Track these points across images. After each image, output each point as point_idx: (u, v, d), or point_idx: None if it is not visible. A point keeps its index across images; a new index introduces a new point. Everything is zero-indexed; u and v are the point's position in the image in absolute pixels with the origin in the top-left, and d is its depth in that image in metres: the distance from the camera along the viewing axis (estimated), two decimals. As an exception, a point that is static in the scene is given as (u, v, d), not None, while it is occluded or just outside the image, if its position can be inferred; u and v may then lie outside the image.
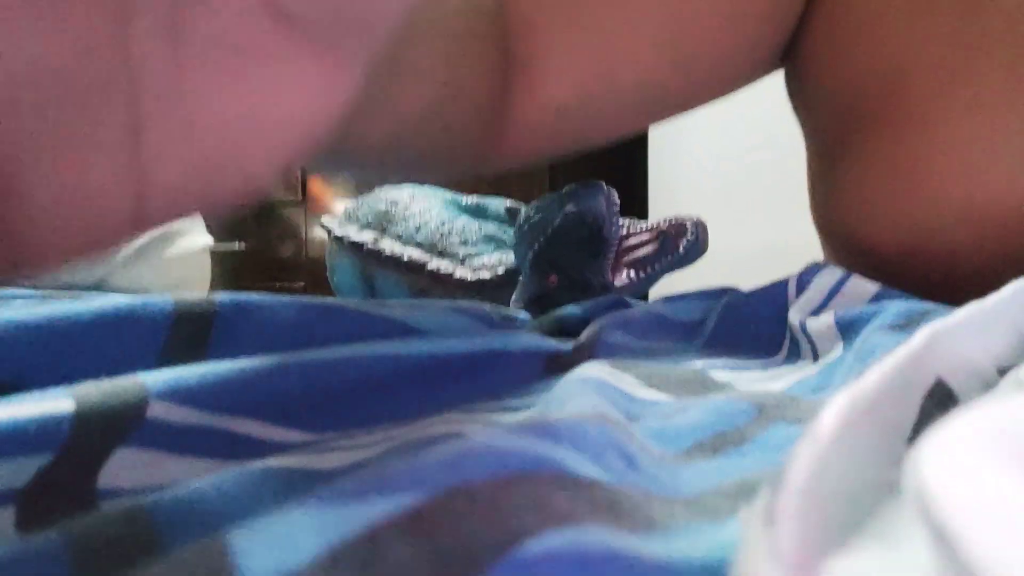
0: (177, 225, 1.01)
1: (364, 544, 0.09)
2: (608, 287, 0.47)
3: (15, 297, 0.62)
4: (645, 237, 0.49)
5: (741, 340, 0.35)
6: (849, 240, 0.38)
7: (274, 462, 0.17)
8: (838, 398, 0.13)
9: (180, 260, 1.00)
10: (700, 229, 0.47)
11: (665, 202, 1.59)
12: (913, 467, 0.08)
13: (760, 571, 0.07)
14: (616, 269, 0.48)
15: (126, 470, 0.17)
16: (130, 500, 0.14)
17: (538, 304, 0.49)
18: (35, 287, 0.87)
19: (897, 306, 0.29)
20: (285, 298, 0.27)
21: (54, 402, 0.16)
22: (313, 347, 0.25)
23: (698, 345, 0.36)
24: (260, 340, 0.25)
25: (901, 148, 0.34)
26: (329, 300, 0.28)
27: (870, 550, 0.09)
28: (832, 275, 0.34)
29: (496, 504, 0.10)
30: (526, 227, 0.48)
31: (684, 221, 0.48)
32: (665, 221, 0.49)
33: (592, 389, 0.21)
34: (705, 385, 0.27)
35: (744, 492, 0.15)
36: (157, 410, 0.18)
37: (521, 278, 0.49)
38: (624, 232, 0.49)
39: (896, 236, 0.35)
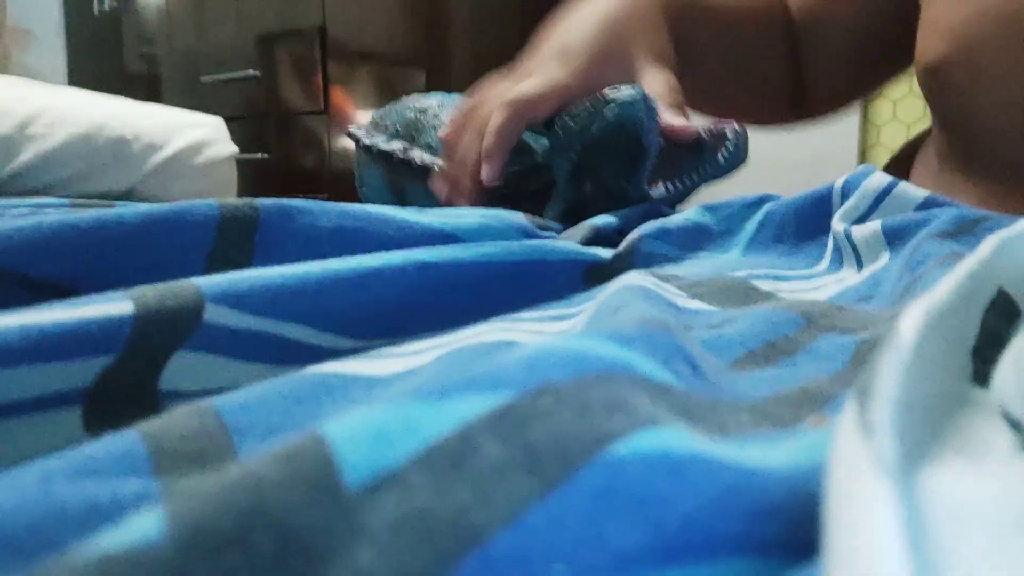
0: (203, 134, 1.01)
1: (457, 441, 0.09)
2: (645, 196, 0.45)
3: (48, 206, 0.63)
4: (684, 146, 0.46)
5: (782, 248, 0.35)
6: (920, 64, 0.43)
7: (329, 368, 0.17)
8: (914, 309, 0.12)
9: (207, 168, 1.00)
10: (741, 137, 0.45)
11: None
12: (1017, 378, 0.08)
13: (867, 481, 0.07)
14: (653, 178, 0.46)
15: (185, 372, 0.17)
16: (197, 401, 0.14)
17: (572, 214, 0.48)
18: (66, 196, 0.88)
19: (947, 213, 0.29)
20: (327, 203, 0.26)
21: (114, 304, 0.16)
22: (355, 252, 0.26)
23: (738, 254, 0.35)
24: (303, 244, 0.25)
25: None
26: (369, 206, 0.28)
27: (958, 464, 0.09)
28: (880, 180, 0.33)
29: (582, 404, 0.10)
30: (562, 135, 0.46)
31: (724, 128, 0.45)
32: (704, 128, 0.46)
33: (640, 297, 0.21)
34: (749, 295, 0.27)
35: (806, 400, 0.15)
36: (213, 314, 0.18)
37: (556, 187, 0.48)
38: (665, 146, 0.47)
39: (951, 47, 0.40)
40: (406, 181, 0.55)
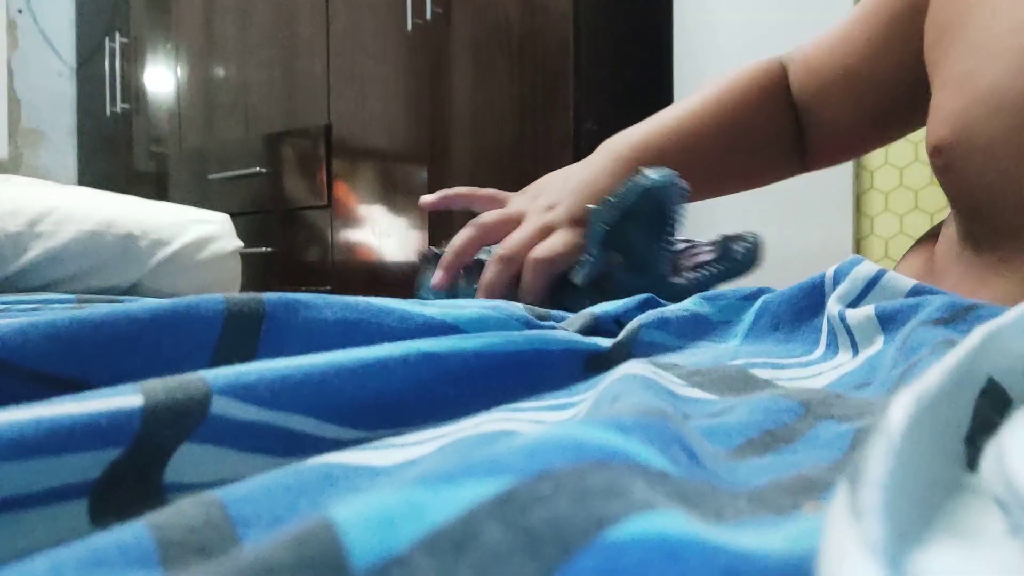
0: (209, 230, 1.03)
1: (460, 526, 0.09)
2: (664, 276, 0.49)
3: (55, 302, 0.64)
4: (706, 249, 0.51)
5: (778, 336, 0.35)
6: (929, 145, 0.46)
7: (332, 459, 0.17)
8: (904, 396, 0.13)
9: (212, 263, 1.01)
10: (757, 238, 0.50)
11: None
12: (999, 464, 0.09)
13: (855, 563, 0.08)
14: (676, 273, 0.50)
15: (191, 465, 0.18)
16: (201, 494, 0.14)
17: (596, 285, 0.51)
18: (72, 292, 0.89)
19: (940, 300, 0.29)
20: (330, 297, 0.27)
21: (123, 398, 0.17)
22: (358, 344, 0.26)
23: (736, 343, 0.36)
24: (307, 337, 0.25)
25: (955, 68, 0.45)
26: (372, 299, 0.29)
27: (951, 547, 0.09)
28: (869, 268, 0.34)
29: (580, 489, 0.10)
30: (601, 207, 0.50)
31: (744, 233, 0.50)
32: (723, 234, 0.51)
33: (640, 387, 0.21)
34: (747, 383, 0.27)
35: (804, 488, 0.15)
36: (219, 406, 0.18)
37: (585, 255, 0.52)
38: (689, 246, 0.51)
39: (952, 130, 0.43)
40: (460, 278, 0.58)
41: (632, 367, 0.25)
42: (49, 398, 0.18)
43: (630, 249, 0.51)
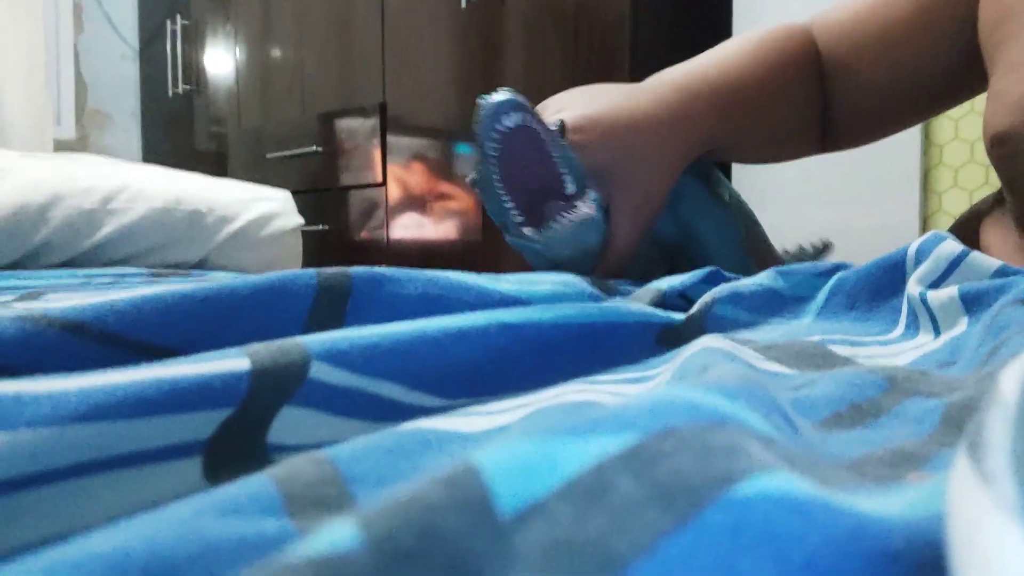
0: (271, 207, 1.05)
1: (594, 477, 0.10)
2: (506, 218, 0.44)
3: (130, 276, 0.66)
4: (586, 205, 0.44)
5: (855, 315, 0.35)
6: (988, 133, 0.44)
7: (424, 424, 0.18)
8: (1014, 367, 0.12)
9: (274, 240, 1.03)
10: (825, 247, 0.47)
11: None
12: None
13: (995, 524, 0.08)
14: (536, 221, 0.45)
15: (292, 427, 0.18)
16: (310, 453, 0.15)
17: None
18: (146, 267, 0.91)
19: None
20: (412, 272, 0.28)
21: (233, 360, 0.17)
22: (439, 316, 0.27)
23: (811, 320, 0.35)
24: (390, 310, 0.26)
25: (1013, 54, 0.44)
26: (451, 274, 0.29)
27: None
28: (952, 247, 0.33)
29: (704, 447, 0.10)
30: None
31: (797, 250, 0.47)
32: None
33: (725, 359, 0.21)
34: (826, 359, 0.27)
35: (903, 460, 0.15)
36: (317, 371, 0.19)
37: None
38: (577, 199, 0.44)
39: (1017, 119, 0.42)
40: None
41: (710, 341, 0.25)
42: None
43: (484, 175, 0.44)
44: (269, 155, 2.43)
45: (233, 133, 2.64)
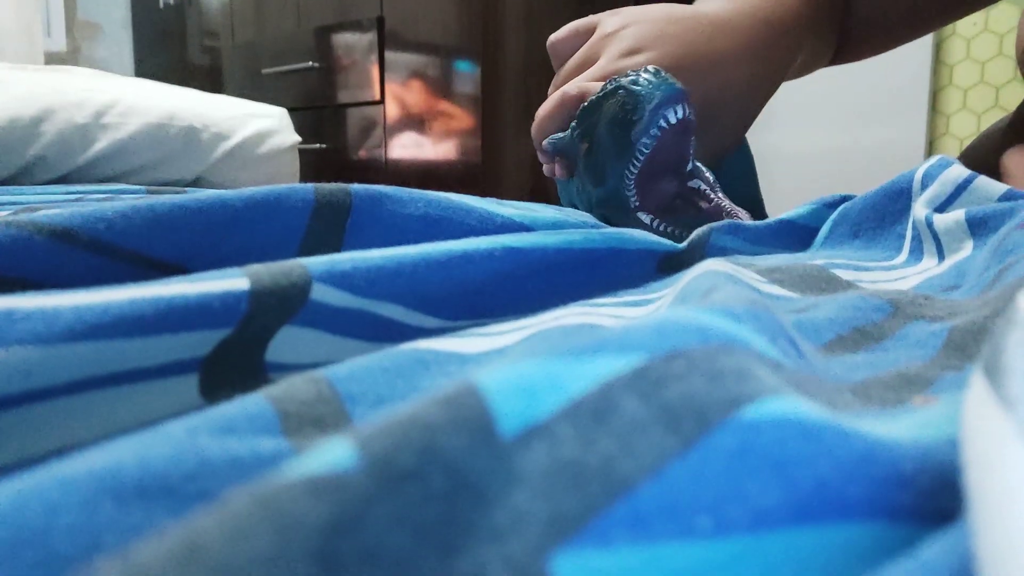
0: (267, 124, 1.03)
1: (598, 397, 0.10)
2: (624, 201, 0.38)
3: (126, 192, 0.65)
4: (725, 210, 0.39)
5: (859, 243, 0.34)
6: (1019, 47, 0.42)
7: (423, 345, 0.18)
8: None
9: (271, 157, 1.02)
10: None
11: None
12: None
13: (1016, 450, 0.07)
14: (656, 210, 0.39)
15: (290, 346, 0.18)
16: (307, 372, 0.14)
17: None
18: (139, 184, 0.90)
19: None
20: (414, 192, 0.27)
21: (232, 280, 0.17)
22: (440, 238, 0.26)
23: (815, 247, 0.35)
24: (391, 230, 0.26)
25: None
26: (453, 196, 0.29)
27: None
28: (959, 171, 0.33)
29: (712, 369, 0.10)
30: (579, 112, 0.41)
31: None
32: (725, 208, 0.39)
33: (728, 281, 0.21)
34: (830, 282, 0.27)
35: (905, 383, 0.15)
36: (318, 292, 0.19)
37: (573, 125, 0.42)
38: (713, 197, 0.39)
39: None
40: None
41: (712, 264, 0.25)
42: (152, 280, 0.19)
43: (596, 149, 0.40)
44: (264, 70, 2.37)
45: (226, 47, 2.58)
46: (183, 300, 0.16)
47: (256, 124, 1.01)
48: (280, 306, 0.18)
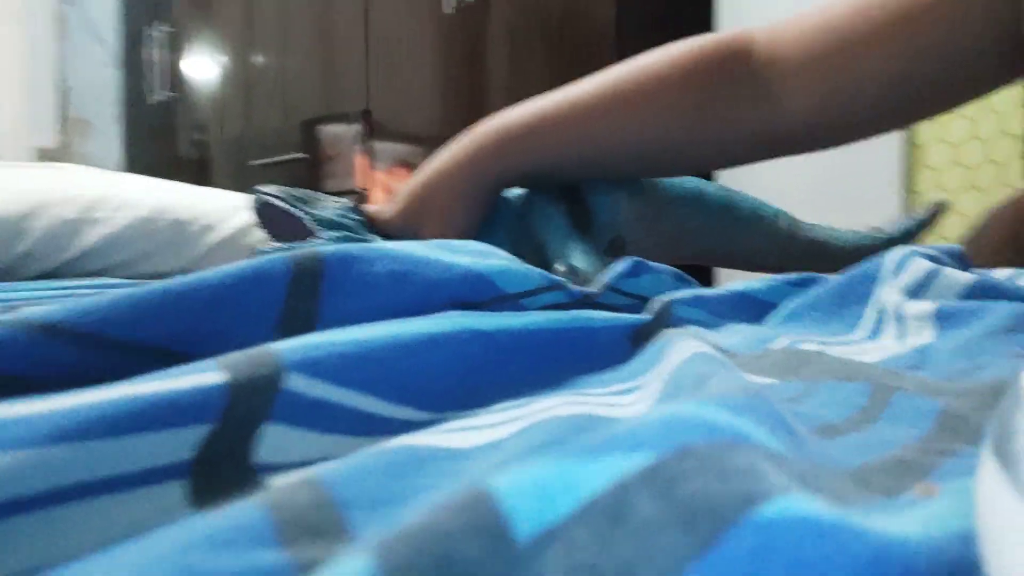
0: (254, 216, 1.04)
1: (613, 498, 0.10)
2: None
3: (113, 286, 0.65)
4: None
5: (817, 316, 0.35)
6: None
7: (414, 441, 0.17)
8: None
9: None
10: None
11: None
12: None
13: None
14: None
15: (275, 444, 0.18)
16: (300, 473, 0.14)
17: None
18: (126, 277, 0.90)
19: (1003, 308, 0.29)
20: (378, 248, 0.28)
21: (209, 374, 0.17)
22: (407, 295, 0.27)
23: (771, 324, 0.35)
24: (362, 289, 0.26)
25: None
26: (413, 246, 0.29)
27: None
28: (926, 264, 0.34)
29: (722, 468, 0.10)
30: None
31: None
32: None
33: (719, 366, 0.21)
34: (801, 360, 0.27)
35: (904, 471, 0.15)
36: (294, 383, 0.19)
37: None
38: None
39: None
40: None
41: (691, 343, 0.25)
42: (134, 367, 0.19)
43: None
44: (252, 162, 2.41)
45: (215, 140, 2.63)
46: (157, 397, 0.16)
47: (244, 216, 1.02)
48: (257, 397, 0.17)
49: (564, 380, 0.26)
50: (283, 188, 0.62)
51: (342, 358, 0.20)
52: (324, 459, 0.18)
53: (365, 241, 0.60)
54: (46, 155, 2.75)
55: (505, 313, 0.27)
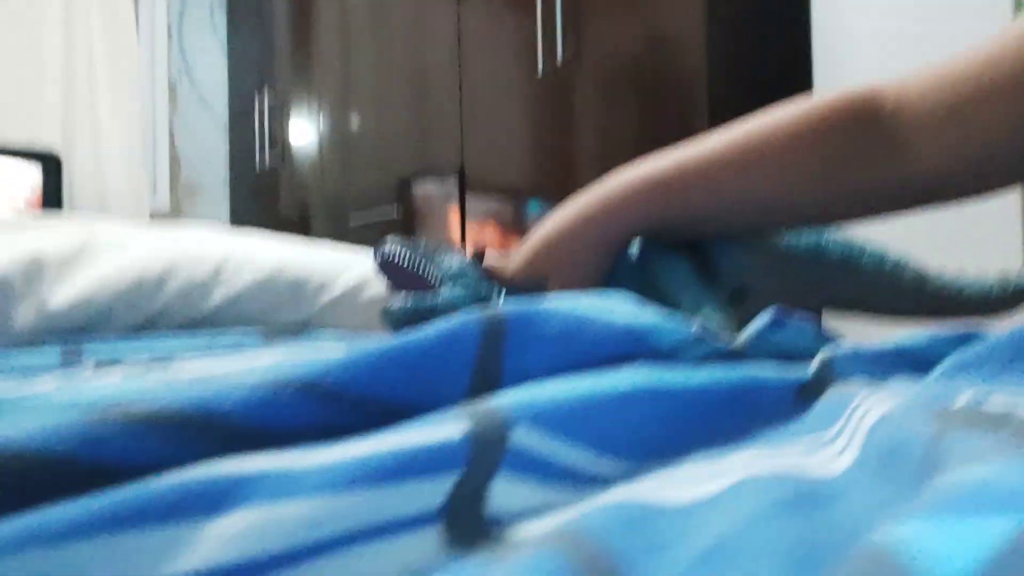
0: (366, 272, 1.08)
1: (1012, 557, 0.10)
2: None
3: (243, 344, 0.68)
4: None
5: (986, 372, 0.34)
6: None
7: (622, 495, 0.18)
8: None
9: (371, 304, 1.06)
10: None
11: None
12: None
13: None
14: None
15: (504, 495, 0.19)
16: (548, 524, 0.15)
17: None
18: (257, 330, 0.93)
19: None
20: (547, 311, 0.29)
21: (449, 426, 0.18)
22: (577, 354, 0.28)
23: (945, 379, 0.34)
24: (539, 349, 0.28)
25: None
26: (576, 305, 0.30)
27: None
28: None
29: None
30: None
31: None
32: None
33: (934, 423, 0.21)
34: (999, 423, 0.26)
35: None
36: (519, 435, 0.20)
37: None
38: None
39: None
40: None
41: (882, 398, 0.25)
42: (368, 422, 0.20)
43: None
44: (353, 222, 2.50)
45: (316, 201, 2.74)
46: (419, 447, 0.17)
47: (356, 273, 1.06)
48: (493, 448, 0.18)
49: (744, 434, 0.26)
50: (404, 241, 0.65)
51: (557, 411, 0.21)
52: (545, 510, 0.19)
53: (486, 295, 0.61)
54: (159, 216, 2.92)
55: (681, 368, 0.28)
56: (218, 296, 0.90)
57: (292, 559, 0.14)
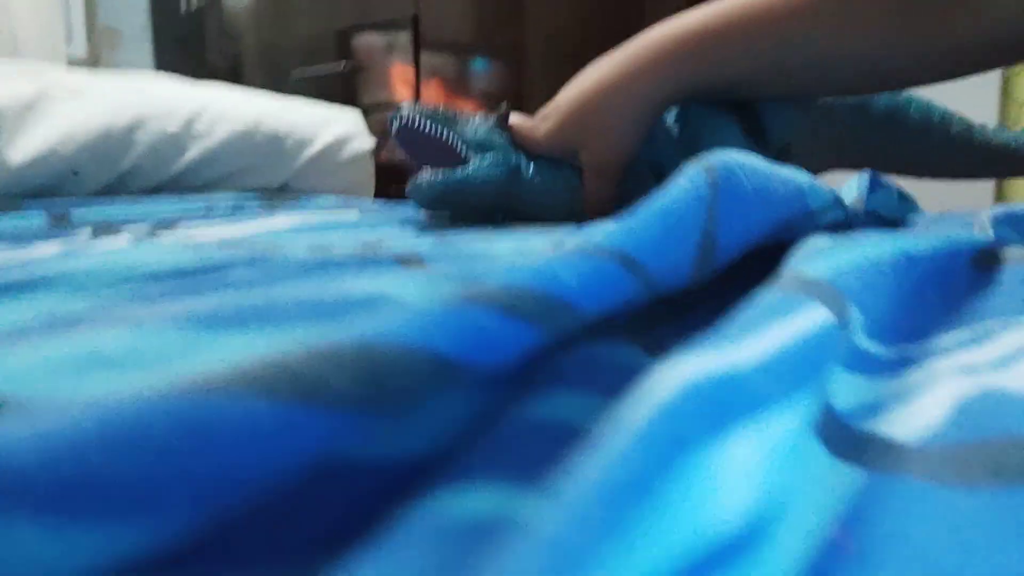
0: (345, 129, 1.01)
1: None
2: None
3: (245, 208, 0.62)
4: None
5: None
6: None
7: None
8: None
9: (352, 163, 1.00)
10: None
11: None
12: None
13: None
14: None
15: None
16: None
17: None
18: (257, 193, 0.87)
19: None
20: (743, 162, 0.26)
21: (816, 312, 0.16)
22: (769, 212, 0.26)
23: None
24: (741, 207, 0.25)
25: None
26: (755, 162, 0.28)
27: None
28: None
29: None
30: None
31: None
32: None
33: None
34: None
35: None
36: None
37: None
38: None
39: None
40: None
41: None
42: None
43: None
44: (292, 75, 2.35)
45: (249, 51, 2.56)
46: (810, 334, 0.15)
47: (334, 129, 1.00)
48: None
49: (968, 307, 0.24)
50: (423, 107, 0.59)
51: (857, 281, 0.19)
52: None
53: (515, 164, 0.57)
54: (76, 65, 2.68)
55: (899, 234, 0.26)
56: (194, 152, 0.83)
57: None
